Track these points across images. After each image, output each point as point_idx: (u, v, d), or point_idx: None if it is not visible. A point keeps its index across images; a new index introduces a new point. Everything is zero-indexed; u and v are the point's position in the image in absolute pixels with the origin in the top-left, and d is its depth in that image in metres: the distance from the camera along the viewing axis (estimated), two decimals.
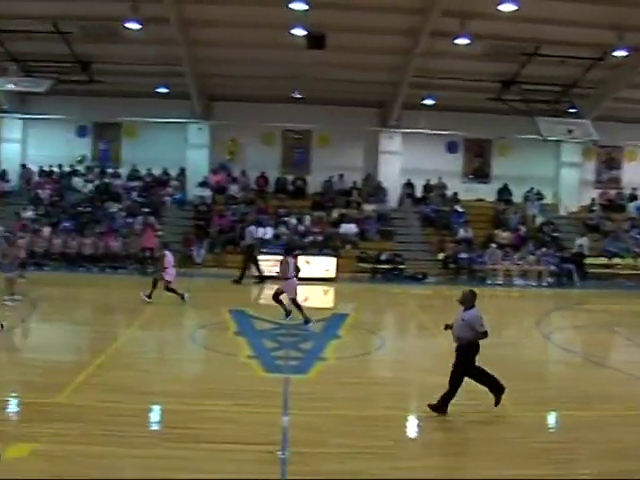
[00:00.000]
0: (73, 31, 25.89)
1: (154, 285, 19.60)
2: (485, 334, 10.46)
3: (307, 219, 29.06)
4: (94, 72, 28.79)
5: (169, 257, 19.71)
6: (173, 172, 31.57)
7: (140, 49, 26.95)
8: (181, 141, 31.25)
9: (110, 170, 32.01)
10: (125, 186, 31.17)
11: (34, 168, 32.01)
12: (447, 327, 10.69)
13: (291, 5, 21.34)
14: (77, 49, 27.41)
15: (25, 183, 31.52)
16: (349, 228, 29.47)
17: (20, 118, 32.19)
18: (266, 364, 13.25)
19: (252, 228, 26.08)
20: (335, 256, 26.89)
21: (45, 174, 31.62)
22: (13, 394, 11.35)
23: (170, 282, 19.54)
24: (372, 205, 31.07)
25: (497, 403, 10.49)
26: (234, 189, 30.96)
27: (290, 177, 31.96)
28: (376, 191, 31.87)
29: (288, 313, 17.46)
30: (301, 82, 28.38)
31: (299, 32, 23.43)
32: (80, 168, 32.08)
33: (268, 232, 27.55)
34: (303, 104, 29.63)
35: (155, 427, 10.16)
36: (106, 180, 31.32)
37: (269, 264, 24.89)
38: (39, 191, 30.54)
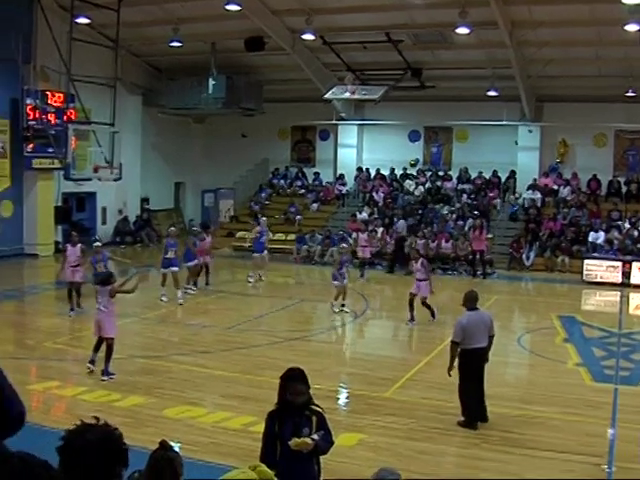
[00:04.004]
0: (404, 39, 26.75)
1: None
2: (452, 342, 9.97)
3: None
4: (425, 78, 29.47)
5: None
6: (503, 175, 31.31)
7: (470, 53, 27.18)
8: (511, 143, 30.88)
9: (441, 173, 32.59)
10: (456, 189, 31.52)
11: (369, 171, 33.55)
12: None
13: (624, 0, 20.15)
14: (408, 56, 28.22)
15: (360, 186, 33.15)
16: None
17: (355, 124, 33.85)
18: (594, 373, 12.77)
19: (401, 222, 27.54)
20: None
21: (379, 177, 32.99)
22: (344, 385, 12.08)
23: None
24: None
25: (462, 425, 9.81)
26: (565, 192, 30.01)
27: (623, 179, 30.22)
28: None
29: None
30: (635, 80, 26.80)
31: (632, 27, 22.07)
32: (412, 171, 33.03)
33: (600, 237, 26.29)
34: (637, 103, 27.89)
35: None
36: (437, 183, 31.93)
37: (601, 269, 23.93)
38: (373, 193, 31.98)
